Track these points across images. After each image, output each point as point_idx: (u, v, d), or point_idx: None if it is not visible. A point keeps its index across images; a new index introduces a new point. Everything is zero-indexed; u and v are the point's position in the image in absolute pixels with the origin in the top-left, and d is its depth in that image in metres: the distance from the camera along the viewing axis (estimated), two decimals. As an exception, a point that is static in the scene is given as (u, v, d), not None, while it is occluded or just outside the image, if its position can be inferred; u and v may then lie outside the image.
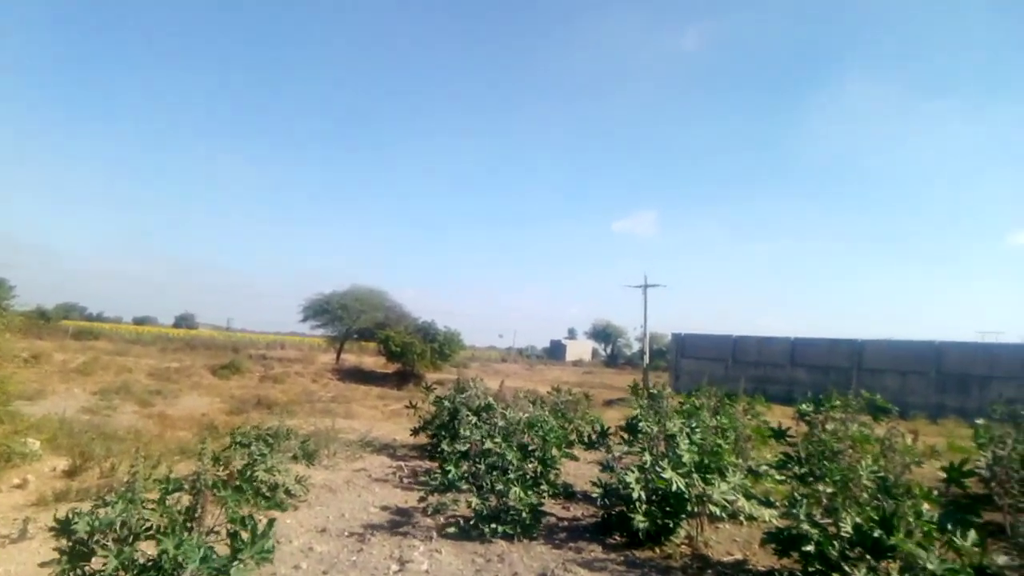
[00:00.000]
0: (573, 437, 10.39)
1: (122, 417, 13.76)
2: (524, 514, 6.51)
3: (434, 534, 6.46)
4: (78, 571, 3.46)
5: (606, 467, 7.39)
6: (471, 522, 6.55)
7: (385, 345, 31.09)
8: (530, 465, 7.46)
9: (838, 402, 6.30)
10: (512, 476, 6.85)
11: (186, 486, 4.08)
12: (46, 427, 9.77)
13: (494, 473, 7.01)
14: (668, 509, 6.29)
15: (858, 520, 5.00)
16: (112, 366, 24.07)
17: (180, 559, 3.30)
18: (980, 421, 5.83)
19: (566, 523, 7.28)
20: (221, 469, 6.86)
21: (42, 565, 3.56)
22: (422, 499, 7.40)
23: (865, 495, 5.25)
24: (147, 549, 3.61)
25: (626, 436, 7.10)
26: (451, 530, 6.58)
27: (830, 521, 5.25)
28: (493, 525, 6.45)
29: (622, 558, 6.04)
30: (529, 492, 6.69)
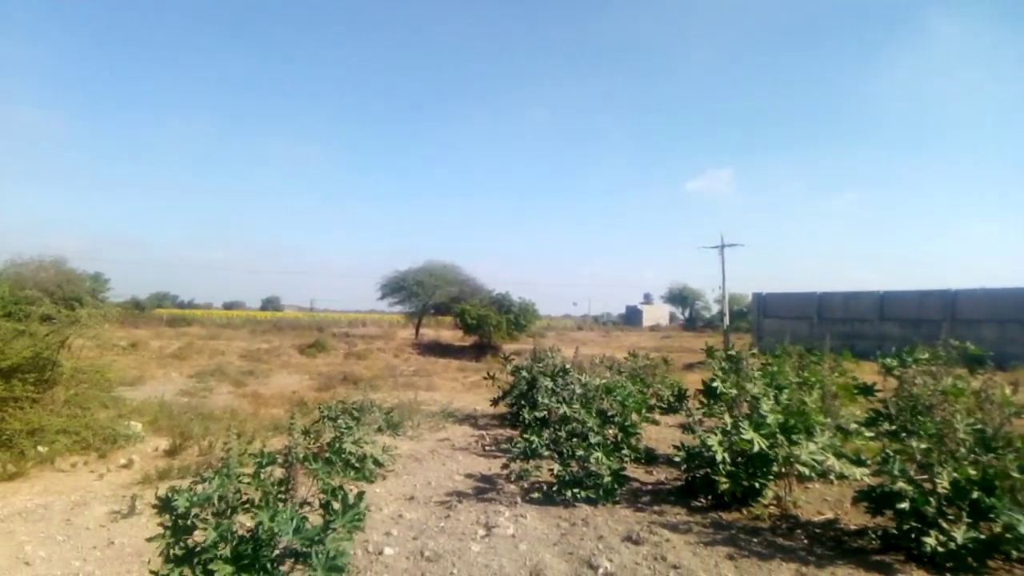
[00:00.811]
0: (653, 402, 10.31)
1: (217, 398, 14.40)
2: (606, 479, 6.51)
3: (518, 500, 6.54)
4: (181, 544, 3.64)
5: (686, 429, 7.29)
6: (554, 488, 6.60)
7: (461, 318, 31.48)
8: (610, 431, 7.45)
9: (926, 354, 6.03)
10: (592, 442, 6.85)
11: (279, 460, 4.22)
12: (147, 410, 10.31)
13: (574, 439, 7.03)
14: (753, 471, 6.18)
15: (956, 476, 4.81)
16: (206, 350, 25.20)
17: (275, 530, 3.43)
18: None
19: (649, 487, 7.25)
20: (311, 443, 7.11)
21: (149, 540, 3.76)
22: (505, 466, 7.50)
23: (962, 450, 5.04)
24: (244, 521, 3.76)
25: (704, 399, 7.00)
26: (535, 496, 6.65)
27: (925, 477, 5.07)
28: (576, 490, 6.48)
29: (708, 520, 5.99)
30: (611, 457, 6.68)
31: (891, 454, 5.37)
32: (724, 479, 6.10)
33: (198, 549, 3.56)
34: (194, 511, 3.74)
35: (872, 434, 6.39)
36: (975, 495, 4.62)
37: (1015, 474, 4.67)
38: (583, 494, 6.45)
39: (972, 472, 4.75)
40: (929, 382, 5.76)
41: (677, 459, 7.20)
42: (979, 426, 5.16)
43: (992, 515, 4.49)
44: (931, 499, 4.82)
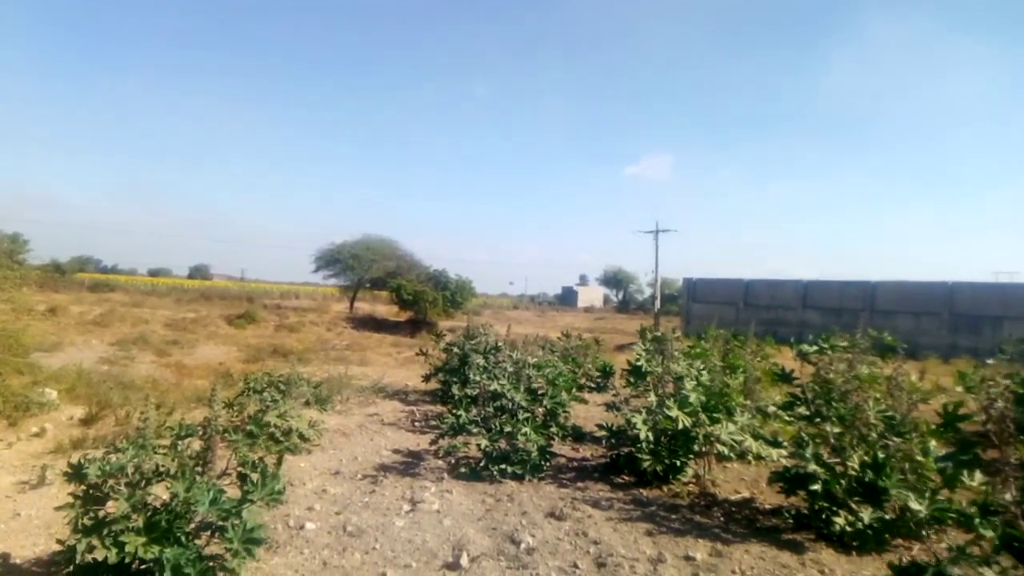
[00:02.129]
0: (583, 381, 10.45)
1: (140, 367, 13.95)
2: (533, 455, 6.59)
3: (445, 475, 6.56)
4: (92, 515, 3.53)
5: (612, 408, 7.42)
6: (481, 463, 6.65)
7: (397, 294, 31.25)
8: (539, 408, 7.52)
9: (843, 342, 6.26)
10: (521, 418, 6.91)
11: (198, 431, 4.13)
12: (64, 377, 9.92)
13: (503, 416, 7.08)
14: (675, 449, 6.35)
15: (866, 459, 5.03)
16: (128, 317, 24.35)
17: (191, 501, 3.36)
18: (990, 361, 5.79)
19: (575, 464, 7.37)
20: (235, 415, 6.97)
21: (58, 509, 3.64)
22: (433, 442, 7.50)
23: (873, 434, 5.26)
24: (160, 493, 3.67)
25: (631, 379, 7.13)
26: (462, 471, 6.68)
27: (837, 460, 5.28)
28: (502, 466, 6.54)
29: (629, 497, 6.13)
30: (538, 433, 6.76)
31: (806, 437, 5.57)
32: (647, 457, 6.24)
33: (109, 520, 3.46)
34: (108, 481, 3.63)
35: (789, 417, 6.62)
36: (868, 477, 4.84)
37: (919, 457, 4.91)
38: (510, 470, 6.51)
39: (880, 455, 4.97)
40: (844, 369, 5.99)
41: (601, 436, 7.34)
42: (889, 412, 5.40)
43: (884, 496, 4.72)
44: (842, 481, 5.03)
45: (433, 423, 8.96)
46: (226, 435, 4.20)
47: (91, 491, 3.61)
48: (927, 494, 4.62)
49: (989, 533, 4.06)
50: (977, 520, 4.12)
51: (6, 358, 8.48)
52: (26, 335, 8.94)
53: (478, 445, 6.78)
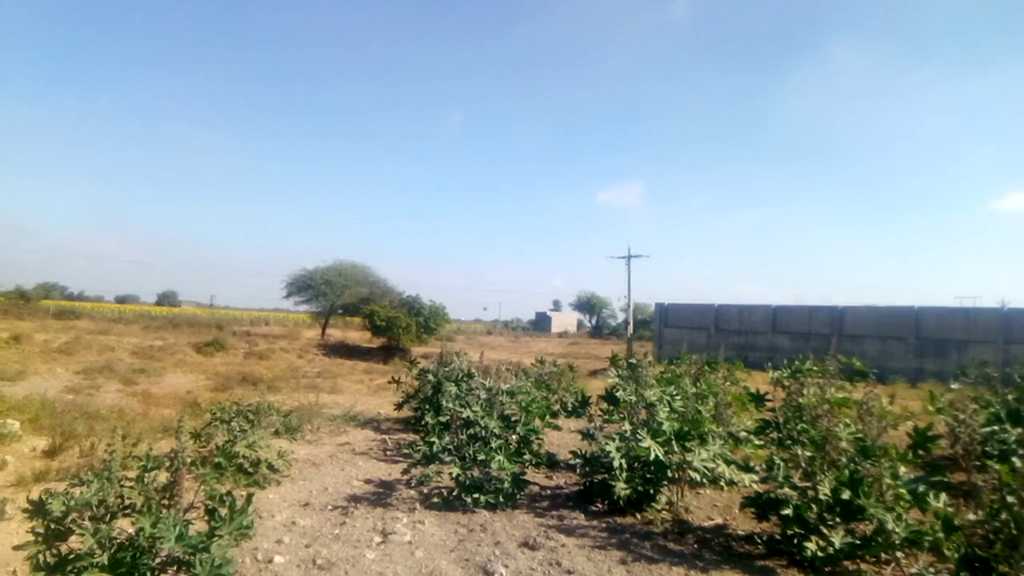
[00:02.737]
0: (557, 408, 10.45)
1: (105, 396, 13.69)
2: (506, 484, 6.55)
3: (417, 506, 6.49)
4: (54, 551, 3.43)
5: (586, 435, 7.42)
6: (454, 493, 6.59)
7: (370, 320, 31.04)
8: (513, 436, 7.49)
9: (814, 367, 6.35)
10: (494, 446, 6.88)
11: (165, 463, 4.05)
12: (27, 407, 9.70)
13: (476, 443, 7.04)
14: (648, 476, 6.35)
15: (836, 483, 5.08)
16: (95, 345, 23.87)
17: (157, 536, 3.29)
18: (955, 385, 5.90)
19: (549, 492, 7.33)
20: (202, 446, 6.85)
21: (16, 548, 3.53)
22: (405, 471, 7.43)
23: (843, 458, 5.32)
24: (126, 527, 3.59)
25: (606, 406, 7.14)
26: (435, 501, 6.61)
27: (809, 485, 5.32)
28: (475, 495, 6.49)
29: (604, 525, 6.10)
30: (512, 461, 6.73)
31: (777, 461, 5.62)
32: (623, 485, 6.24)
33: (72, 556, 3.37)
34: (71, 516, 3.54)
35: (761, 442, 6.67)
36: (845, 495, 4.88)
37: (888, 480, 4.96)
38: (483, 499, 6.46)
39: (843, 480, 5.03)
40: (816, 393, 6.06)
41: (575, 464, 7.32)
42: (859, 436, 5.46)
43: (860, 516, 4.76)
44: (813, 505, 5.07)
45: (406, 452, 8.88)
46: (193, 467, 4.11)
47: (53, 526, 3.52)
48: (902, 515, 4.67)
49: (954, 555, 4.13)
50: (940, 535, 4.20)
51: (-33, 388, 8.27)
52: (-12, 365, 8.73)
53: (451, 474, 6.72)
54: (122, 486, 3.72)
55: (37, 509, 3.50)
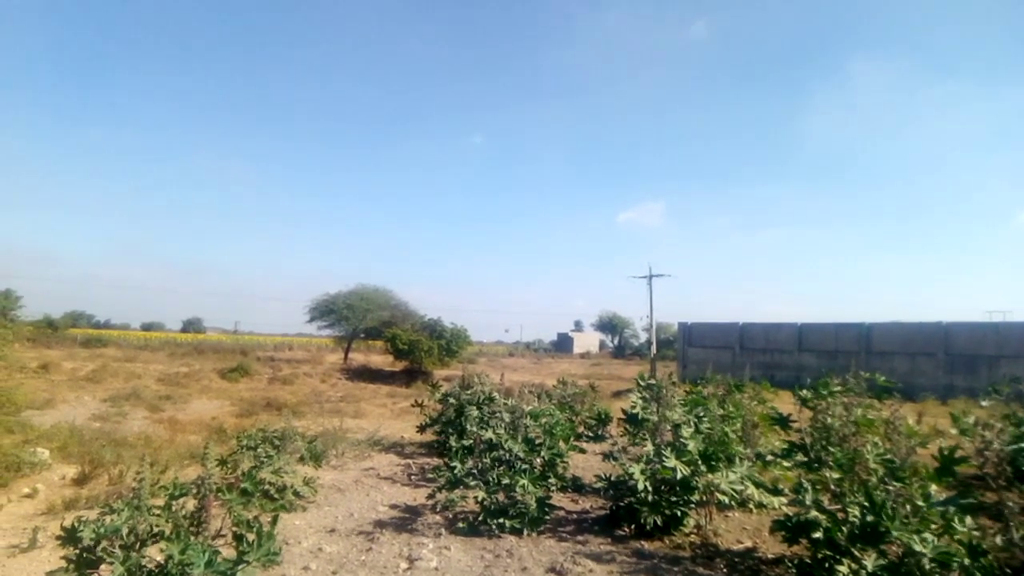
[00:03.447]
0: (581, 430, 10.38)
1: (132, 423, 13.83)
2: (532, 508, 6.51)
3: (443, 531, 6.47)
4: (85, 579, 3.47)
5: (609, 457, 7.36)
6: (479, 517, 6.56)
7: (392, 343, 31.16)
8: (537, 459, 7.46)
9: (838, 386, 6.27)
10: (518, 469, 6.84)
11: (192, 491, 4.09)
12: (56, 436, 9.84)
13: (500, 467, 7.01)
14: (675, 499, 6.28)
15: (865, 504, 4.99)
16: (121, 373, 24.19)
17: (185, 563, 3.31)
18: (985, 402, 5.79)
19: (575, 516, 7.28)
20: (228, 472, 6.90)
21: (50, 574, 3.57)
22: (430, 496, 7.41)
23: (873, 479, 5.23)
24: (154, 555, 3.62)
25: (627, 427, 7.08)
26: (460, 526, 6.58)
27: (838, 507, 5.23)
28: (501, 520, 6.45)
29: (631, 550, 6.04)
30: (537, 485, 6.69)
31: (805, 484, 5.53)
32: (646, 508, 6.17)
33: (102, 585, 3.41)
34: (101, 544, 3.58)
35: (789, 464, 6.58)
36: (870, 518, 4.80)
37: (920, 502, 4.87)
38: (508, 524, 6.42)
39: (864, 503, 4.95)
40: (842, 413, 5.98)
41: (599, 487, 7.26)
42: (888, 456, 5.37)
43: (886, 538, 4.67)
44: (843, 528, 4.98)
45: (430, 476, 8.86)
46: (220, 494, 4.15)
47: (84, 554, 3.56)
48: (930, 537, 4.58)
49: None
50: (967, 561, 4.11)
51: (-2, 417, 8.39)
52: (18, 393, 8.86)
53: (476, 498, 6.70)
54: (151, 514, 3.76)
55: (69, 537, 3.55)
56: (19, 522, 6.46)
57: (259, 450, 7.70)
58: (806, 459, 5.90)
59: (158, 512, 3.84)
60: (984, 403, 5.72)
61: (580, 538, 6.41)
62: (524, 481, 6.62)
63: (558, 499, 7.68)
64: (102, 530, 3.54)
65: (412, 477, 9.23)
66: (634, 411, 6.95)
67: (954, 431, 5.12)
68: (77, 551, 3.56)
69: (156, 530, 3.73)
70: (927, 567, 4.42)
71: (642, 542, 6.25)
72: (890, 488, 5.09)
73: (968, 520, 4.38)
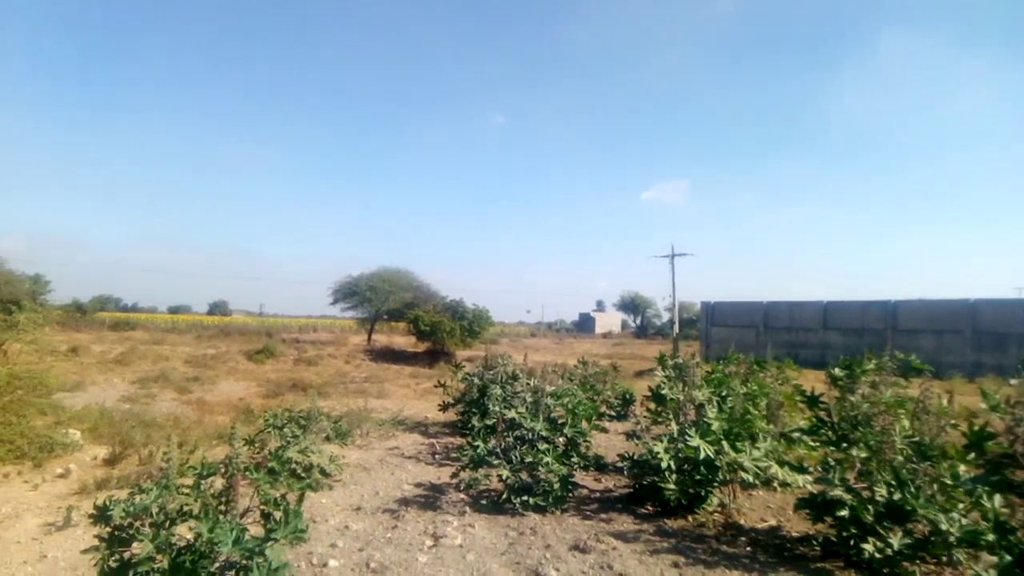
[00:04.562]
0: (603, 409, 10.38)
1: (161, 405, 14.02)
2: (555, 486, 6.54)
3: (467, 509, 6.52)
4: (118, 557, 3.54)
5: (632, 436, 7.34)
6: (503, 496, 6.60)
7: (415, 324, 31.27)
8: (560, 438, 7.47)
9: (871, 365, 6.20)
10: (541, 448, 6.87)
11: (220, 470, 4.14)
12: (87, 417, 10.01)
13: (523, 446, 7.04)
14: (699, 478, 6.27)
15: (892, 483, 4.95)
16: (149, 355, 24.53)
17: (214, 541, 3.35)
18: (1014, 380, 5.68)
19: (598, 495, 7.30)
20: (256, 452, 6.98)
21: (84, 552, 3.64)
22: (454, 475, 7.46)
23: (899, 458, 5.19)
24: (184, 533, 3.67)
25: (652, 406, 7.06)
26: (483, 504, 6.64)
27: (864, 486, 5.20)
28: (524, 497, 6.49)
29: (654, 527, 6.05)
30: (560, 464, 6.71)
31: (832, 463, 5.50)
32: (670, 486, 6.17)
33: (134, 561, 3.46)
34: (132, 522, 3.65)
35: (814, 442, 6.54)
36: (896, 497, 4.76)
37: (948, 482, 4.82)
38: (532, 502, 6.46)
39: (891, 480, 4.91)
40: (869, 392, 5.92)
41: (622, 466, 7.26)
42: (916, 437, 5.32)
43: (912, 517, 4.64)
44: (870, 507, 4.95)
45: (454, 455, 8.93)
46: (248, 473, 4.20)
47: (116, 532, 3.62)
48: (956, 516, 4.54)
49: (1003, 557, 4.01)
50: (994, 539, 4.08)
51: (30, 399, 8.55)
52: (49, 375, 9.02)
53: (499, 476, 6.74)
54: (180, 493, 3.82)
55: (101, 516, 3.61)
56: (54, 501, 6.60)
57: (286, 430, 7.79)
58: (833, 437, 5.86)
59: (187, 491, 3.89)
60: (1013, 381, 5.60)
61: (604, 516, 6.42)
62: (548, 459, 6.65)
63: (581, 478, 7.71)
64: (132, 509, 3.59)
65: (436, 456, 9.30)
66: (660, 390, 6.91)
67: (983, 407, 5.04)
68: (109, 529, 3.62)
69: (185, 509, 3.78)
70: (954, 545, 4.39)
71: (665, 520, 6.26)
72: (917, 467, 5.04)
73: (997, 498, 4.32)
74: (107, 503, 3.62)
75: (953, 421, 5.68)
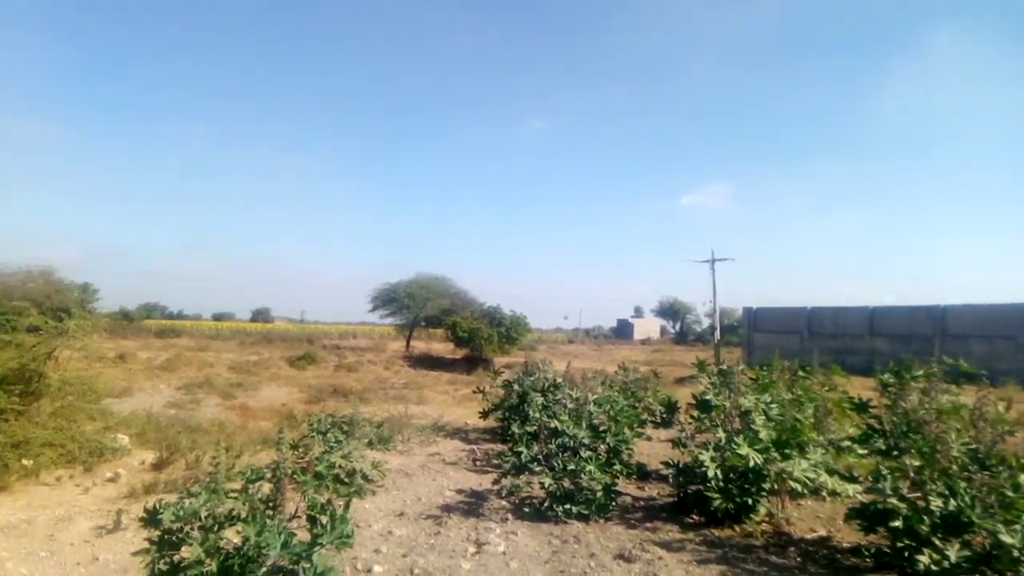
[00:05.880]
0: (644, 416, 10.27)
1: (206, 410, 14.26)
2: (598, 494, 6.47)
3: (509, 516, 6.48)
4: (167, 560, 3.58)
5: (678, 444, 7.23)
6: (545, 503, 6.55)
7: (453, 331, 31.41)
8: (602, 445, 7.40)
9: (921, 371, 6.02)
10: (583, 456, 6.80)
11: (267, 474, 4.17)
12: (134, 423, 10.21)
13: (565, 453, 6.98)
14: (746, 487, 6.15)
15: (946, 493, 4.79)
16: (194, 362, 25.03)
17: (262, 545, 3.37)
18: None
19: (641, 503, 7.21)
20: (300, 457, 7.04)
21: (135, 554, 3.70)
22: (496, 481, 7.44)
23: (955, 467, 5.02)
24: (231, 537, 3.70)
25: (697, 414, 6.95)
26: (526, 511, 6.60)
27: (918, 495, 5.04)
28: (567, 506, 6.43)
29: (700, 537, 5.95)
30: (603, 471, 6.64)
31: (884, 471, 5.34)
32: (717, 495, 6.06)
33: (184, 564, 3.50)
34: (181, 526, 3.69)
35: (865, 451, 6.37)
36: (952, 507, 4.61)
37: (1008, 492, 4.65)
38: (575, 510, 6.40)
39: (943, 491, 4.75)
40: (924, 399, 5.75)
41: (667, 474, 7.16)
42: (972, 444, 5.15)
43: (969, 528, 4.48)
44: (924, 517, 4.80)
45: (495, 462, 8.90)
46: (294, 477, 4.22)
47: (166, 536, 3.66)
48: (1020, 528, 4.37)
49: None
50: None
51: (80, 404, 8.75)
52: (98, 382, 9.22)
53: (541, 484, 6.69)
54: (228, 497, 3.85)
55: (151, 519, 3.65)
56: (104, 504, 6.73)
57: (329, 435, 7.85)
58: (884, 446, 5.70)
59: (234, 495, 3.92)
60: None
61: (648, 525, 6.34)
62: (590, 467, 6.58)
63: (623, 486, 7.62)
64: (182, 513, 3.63)
65: (476, 462, 9.29)
66: (705, 397, 6.80)
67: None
68: (159, 533, 3.67)
69: (233, 513, 3.81)
70: (1020, 560, 4.22)
71: (712, 530, 6.15)
72: (974, 477, 4.88)
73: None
74: (157, 507, 3.67)
75: (1010, 428, 5.49)
